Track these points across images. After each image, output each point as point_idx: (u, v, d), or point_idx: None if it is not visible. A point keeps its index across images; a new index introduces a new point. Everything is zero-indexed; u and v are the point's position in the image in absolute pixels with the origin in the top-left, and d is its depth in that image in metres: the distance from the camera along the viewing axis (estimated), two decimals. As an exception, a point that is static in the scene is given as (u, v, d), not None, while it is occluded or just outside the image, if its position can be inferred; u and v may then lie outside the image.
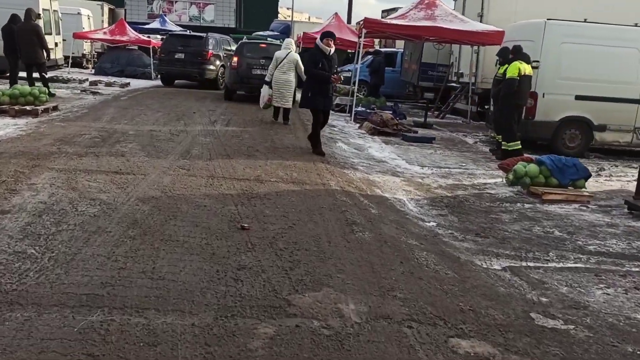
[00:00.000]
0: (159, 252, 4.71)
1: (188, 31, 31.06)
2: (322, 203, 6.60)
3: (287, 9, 75.97)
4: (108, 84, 19.76)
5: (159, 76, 25.20)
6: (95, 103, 14.35)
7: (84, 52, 27.53)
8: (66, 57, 26.52)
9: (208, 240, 5.07)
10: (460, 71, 18.48)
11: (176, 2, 52.36)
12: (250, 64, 16.69)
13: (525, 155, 9.76)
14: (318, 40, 9.66)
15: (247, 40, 18.19)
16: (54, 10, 20.28)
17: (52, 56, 20.08)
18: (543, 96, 11.75)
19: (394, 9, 25.12)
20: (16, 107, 11.54)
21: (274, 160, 8.65)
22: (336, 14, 25.31)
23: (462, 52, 18.33)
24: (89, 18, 28.02)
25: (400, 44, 23.83)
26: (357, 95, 17.51)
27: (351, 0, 43.52)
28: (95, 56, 28.52)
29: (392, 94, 21.85)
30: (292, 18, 35.48)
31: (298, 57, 12.89)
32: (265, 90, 12.74)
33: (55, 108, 12.39)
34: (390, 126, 13.12)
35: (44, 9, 19.41)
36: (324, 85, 9.55)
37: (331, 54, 9.58)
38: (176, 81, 21.32)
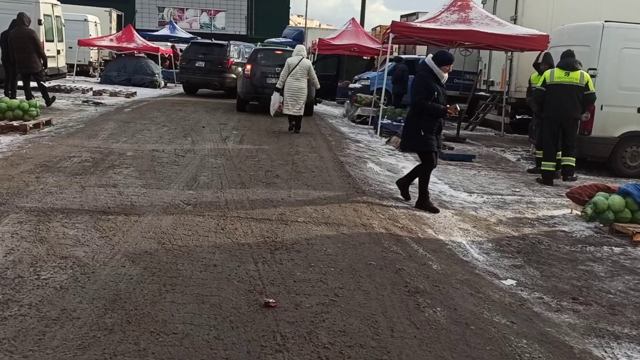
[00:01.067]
0: (145, 358, 3.09)
1: (198, 38, 29.59)
2: (369, 256, 4.96)
3: (298, 16, 74.66)
4: (113, 94, 18.23)
5: (167, 85, 23.74)
6: (95, 116, 12.80)
7: (91, 60, 26.08)
8: (72, 65, 25.18)
9: (218, 330, 3.44)
10: (491, 79, 16.84)
11: (187, 9, 51.22)
12: (265, 72, 15.12)
13: (597, 181, 8.12)
14: (431, 62, 6.99)
15: (261, 47, 16.61)
16: (57, 16, 18.80)
17: (55, 64, 18.67)
18: (601, 109, 10.06)
19: (414, 14, 23.54)
20: (2, 123, 9.99)
21: (299, 191, 7.02)
22: (353, 19, 23.74)
23: (493, 59, 16.69)
24: (96, 25, 26.59)
25: (420, 50, 22.18)
26: (380, 106, 15.91)
27: (364, 7, 41.99)
28: (103, 64, 27.07)
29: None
30: (305, 24, 33.94)
31: (310, 64, 12.30)
32: (275, 97, 11.93)
33: (47, 123, 10.83)
34: (423, 142, 11.46)
35: (45, 15, 17.96)
36: (438, 120, 7.25)
37: (444, 80, 7.15)
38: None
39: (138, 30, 36.40)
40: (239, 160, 8.56)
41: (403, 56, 21.41)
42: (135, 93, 19.06)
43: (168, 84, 24.37)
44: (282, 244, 5.05)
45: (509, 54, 14.92)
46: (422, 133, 7.07)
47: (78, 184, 6.46)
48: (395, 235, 5.70)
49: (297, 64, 11.80)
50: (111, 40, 22.91)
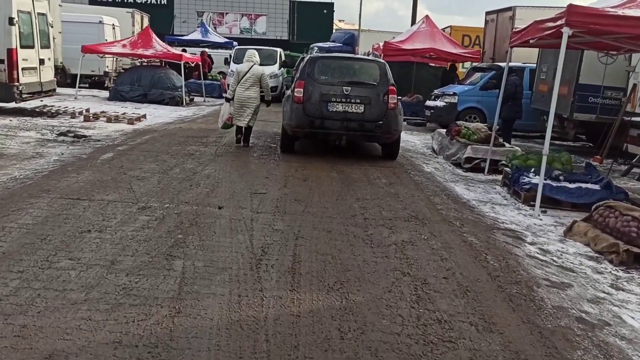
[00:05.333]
0: None
1: (235, 43, 23.97)
2: None
3: (339, 20, 68.36)
4: (112, 119, 12.34)
5: (193, 100, 17.87)
6: (41, 174, 6.79)
7: (107, 70, 20.35)
8: (88, 76, 19.81)
9: None
10: (662, 99, 10.38)
11: (227, 13, 45.78)
12: (327, 93, 8.98)
13: None
14: None
15: (319, 55, 10.33)
16: (40, 14, 12.97)
17: (36, 78, 12.91)
18: None
19: (509, 9, 16.96)
20: None
21: None
22: (427, 17, 17.46)
23: (668, 69, 10.25)
24: (114, 28, 20.86)
25: (522, 56, 15.69)
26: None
27: (415, 10, 35.78)
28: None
29: (515, 127, 13.82)
30: (359, 27, 27.62)
31: (263, 71, 10.01)
32: (225, 108, 10.00)
33: None
34: (667, 248, 5.16)
35: (21, 11, 12.19)
36: None
37: None
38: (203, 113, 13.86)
39: (176, 36, 30.78)
40: None
41: (503, 64, 14.92)
42: (144, 116, 13.16)
43: (195, 99, 18.49)
44: None
45: None
46: None
47: None
48: None
49: (247, 71, 9.65)
50: (124, 46, 17.04)
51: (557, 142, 14.32)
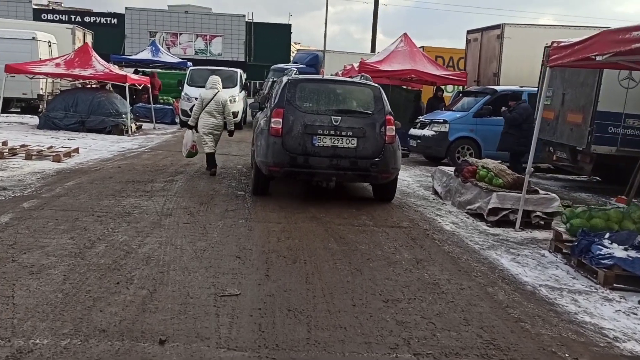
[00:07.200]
0: None
1: (189, 64, 21.46)
2: None
3: (295, 43, 66.49)
4: (32, 155, 9.47)
5: (141, 127, 15.10)
6: None
7: (41, 92, 17.27)
8: (19, 99, 16.82)
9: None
10: None
11: (181, 34, 43.03)
12: (312, 124, 6.58)
13: None
14: None
15: (299, 77, 7.70)
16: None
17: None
18: None
19: (497, 27, 14.94)
20: None
21: None
22: (405, 35, 15.26)
23: None
24: (50, 45, 17.85)
25: (511, 78, 13.62)
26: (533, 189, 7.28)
27: (375, 32, 34.17)
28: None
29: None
30: (324, 47, 25.30)
31: (227, 98, 9.25)
32: (188, 136, 9.05)
33: None
34: None
35: None
36: None
37: None
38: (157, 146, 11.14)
39: (122, 56, 27.70)
40: None
41: (498, 88, 12.78)
42: (76, 151, 10.35)
43: (144, 126, 15.72)
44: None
45: None
46: None
47: None
48: None
49: (212, 98, 8.80)
50: (57, 65, 14.10)
51: (560, 177, 12.27)
